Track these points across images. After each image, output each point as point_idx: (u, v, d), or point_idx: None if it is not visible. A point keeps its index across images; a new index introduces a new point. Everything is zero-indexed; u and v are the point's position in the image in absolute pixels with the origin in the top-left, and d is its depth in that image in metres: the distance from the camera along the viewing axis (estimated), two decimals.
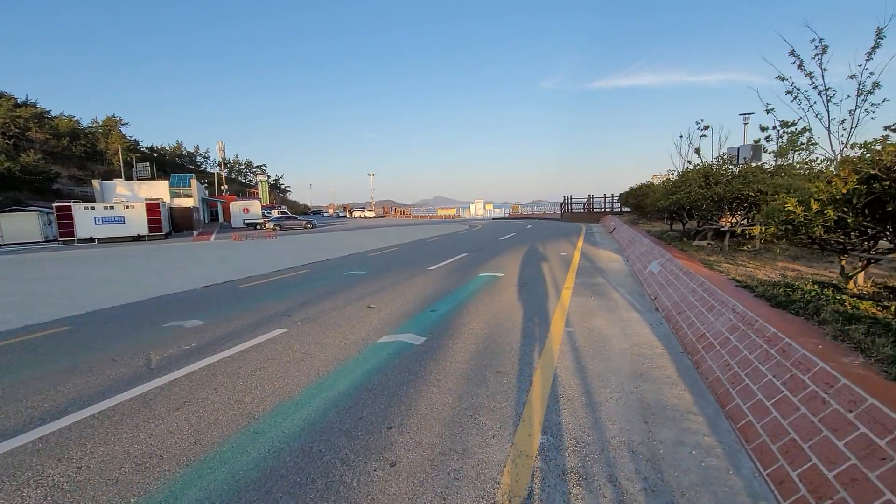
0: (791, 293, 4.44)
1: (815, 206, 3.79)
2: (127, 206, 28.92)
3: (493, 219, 52.14)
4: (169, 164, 73.52)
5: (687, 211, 9.95)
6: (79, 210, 27.63)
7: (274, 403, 3.50)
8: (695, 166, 11.70)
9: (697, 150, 16.45)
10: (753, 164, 9.84)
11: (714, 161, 10.59)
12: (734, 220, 9.93)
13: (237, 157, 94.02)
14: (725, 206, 8.94)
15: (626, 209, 31.46)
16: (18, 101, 57.70)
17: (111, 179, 40.49)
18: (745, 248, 8.61)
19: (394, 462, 2.67)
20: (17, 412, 3.44)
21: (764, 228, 4.62)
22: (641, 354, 4.50)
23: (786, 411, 2.72)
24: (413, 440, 2.91)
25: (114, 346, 5.18)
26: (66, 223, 27.33)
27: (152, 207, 29.32)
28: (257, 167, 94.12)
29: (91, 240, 27.75)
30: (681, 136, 17.21)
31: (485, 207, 66.36)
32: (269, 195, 67.84)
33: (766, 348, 3.42)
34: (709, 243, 9.22)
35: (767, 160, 13.01)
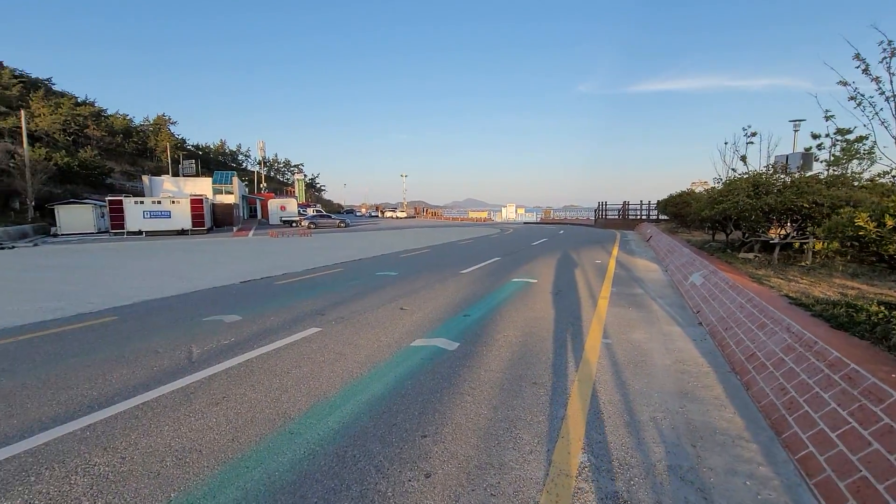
0: (854, 314, 4.12)
1: (889, 223, 3.49)
2: (173, 202, 30.30)
3: (525, 223, 51.61)
4: (212, 161, 76.60)
5: (734, 222, 9.47)
6: (129, 204, 29.18)
7: (309, 404, 3.51)
8: (741, 175, 11.16)
9: (743, 158, 15.68)
10: (807, 175, 9.27)
11: (764, 169, 10.04)
12: (783, 233, 9.39)
13: (276, 156, 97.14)
14: (775, 218, 8.45)
15: (664, 217, 30.46)
16: (79, 100, 61.51)
17: (159, 175, 42.56)
18: (797, 262, 8.11)
19: (429, 473, 2.61)
20: (68, 399, 3.60)
21: (826, 243, 4.30)
22: (686, 372, 4.28)
23: (854, 445, 2.50)
24: (448, 451, 2.85)
25: (157, 337, 5.37)
26: (117, 216, 28.91)
27: (196, 203, 30.60)
28: (295, 166, 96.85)
29: (139, 232, 29.22)
30: (725, 143, 16.45)
31: (516, 211, 65.80)
32: (305, 194, 69.62)
33: (827, 373, 3.17)
34: (756, 256, 8.74)
35: (819, 170, 12.27)
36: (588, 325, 5.92)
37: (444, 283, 9.11)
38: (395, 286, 8.73)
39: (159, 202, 30.08)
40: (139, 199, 30.19)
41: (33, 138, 45.48)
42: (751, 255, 8.77)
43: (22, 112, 34.65)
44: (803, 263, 7.72)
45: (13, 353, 4.79)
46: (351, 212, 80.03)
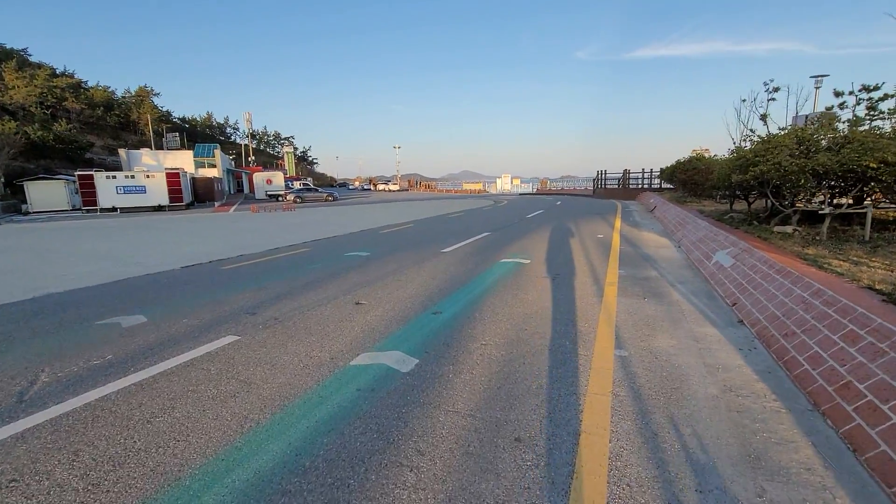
0: None
1: None
2: (148, 176, 28.48)
3: (521, 194, 49.80)
4: (200, 135, 73.78)
5: (771, 188, 7.93)
6: (100, 179, 27.34)
7: (150, 489, 2.11)
8: (780, 132, 9.57)
9: (764, 117, 13.98)
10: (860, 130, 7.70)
11: (810, 125, 8.41)
12: (819, 199, 7.91)
13: (265, 128, 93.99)
14: (829, 183, 6.94)
15: (668, 186, 28.78)
16: (56, 71, 58.29)
17: (140, 149, 40.47)
18: (850, 236, 6.66)
19: None
20: None
21: None
22: (745, 410, 2.88)
23: None
24: None
25: (12, 355, 3.94)
26: (88, 192, 27.13)
27: (173, 177, 28.80)
28: (285, 139, 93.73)
29: (113, 209, 27.53)
30: (743, 101, 14.65)
31: (512, 182, 63.74)
32: (296, 167, 67.34)
33: None
34: (795, 230, 7.28)
35: (844, 130, 10.72)
36: (595, 326, 4.50)
37: (419, 265, 7.66)
38: (361, 270, 7.28)
39: (133, 176, 28.22)
40: (111, 173, 28.27)
41: (7, 111, 43.03)
42: (789, 229, 7.29)
43: None
44: (869, 238, 6.24)
45: None
46: (344, 185, 77.99)
